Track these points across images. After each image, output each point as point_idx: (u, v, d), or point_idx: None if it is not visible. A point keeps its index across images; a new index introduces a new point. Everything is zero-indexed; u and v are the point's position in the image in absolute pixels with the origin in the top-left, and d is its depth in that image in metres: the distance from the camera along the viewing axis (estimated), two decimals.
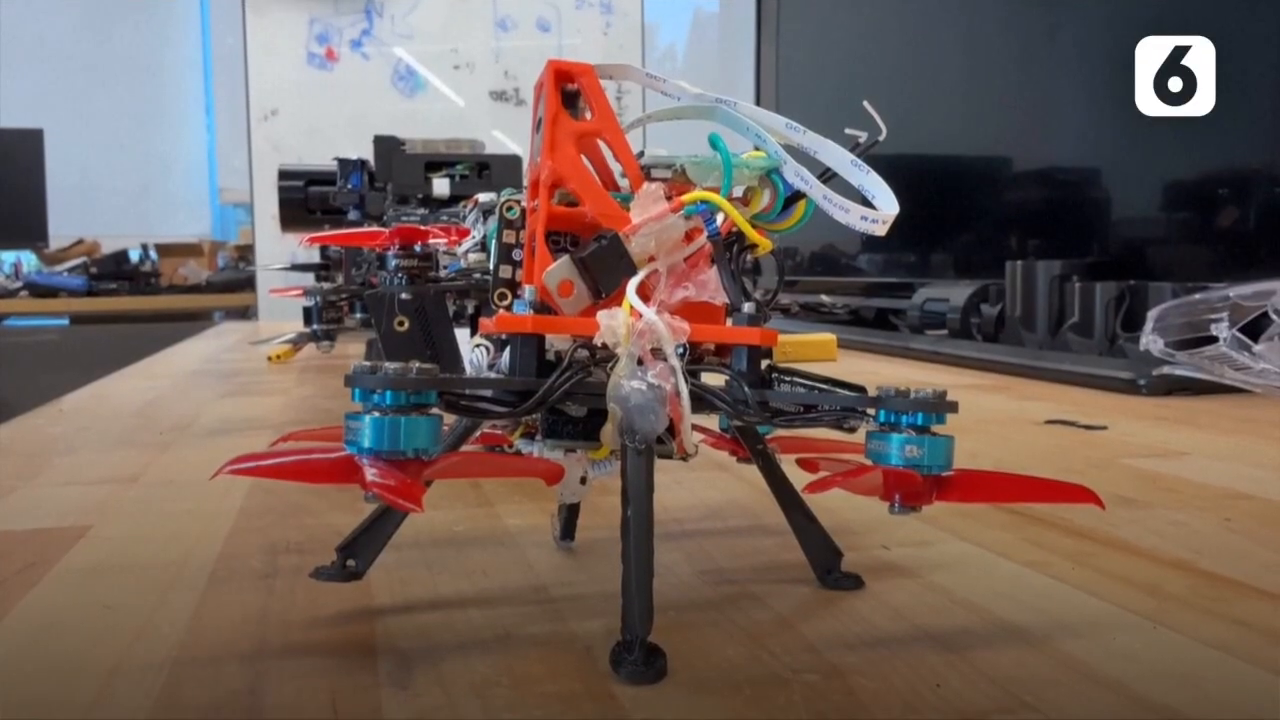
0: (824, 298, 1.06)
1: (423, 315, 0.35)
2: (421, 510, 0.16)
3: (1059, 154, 0.77)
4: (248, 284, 3.41)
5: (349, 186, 0.55)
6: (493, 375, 0.21)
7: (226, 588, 0.23)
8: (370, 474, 0.16)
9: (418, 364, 0.18)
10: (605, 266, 0.19)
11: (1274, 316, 0.47)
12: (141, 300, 2.24)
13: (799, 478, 0.21)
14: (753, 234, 0.20)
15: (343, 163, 0.56)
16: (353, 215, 0.54)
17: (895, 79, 1.00)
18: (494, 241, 0.23)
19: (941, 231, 0.89)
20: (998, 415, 0.50)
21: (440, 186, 0.75)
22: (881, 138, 0.21)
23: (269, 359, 0.79)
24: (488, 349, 0.22)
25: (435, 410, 0.18)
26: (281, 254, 3.10)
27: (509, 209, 0.22)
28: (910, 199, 0.20)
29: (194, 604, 0.22)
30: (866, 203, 0.21)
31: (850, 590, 0.22)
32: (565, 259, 0.19)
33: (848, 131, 0.21)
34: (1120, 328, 0.62)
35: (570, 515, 0.25)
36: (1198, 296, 0.53)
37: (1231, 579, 0.22)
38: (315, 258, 0.92)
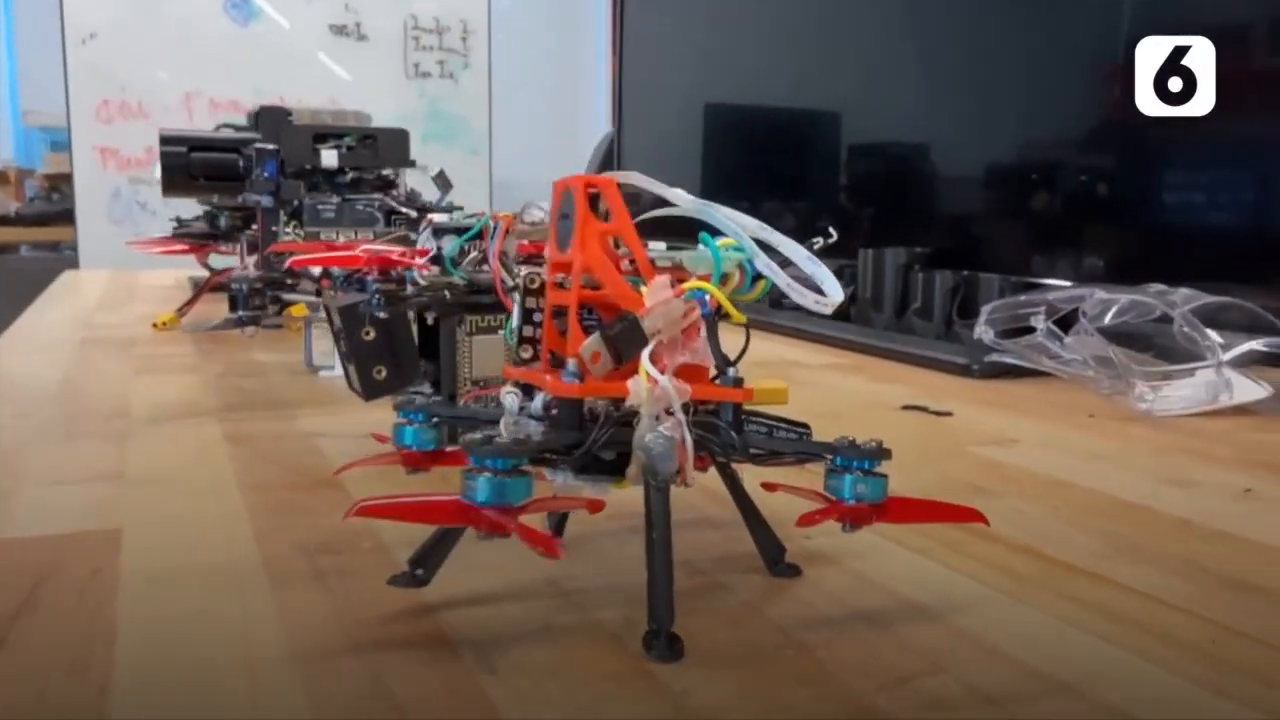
0: None
1: (390, 329, 0.40)
2: (562, 557, 0.22)
3: (912, 151, 0.86)
4: (61, 217, 3.20)
5: (265, 175, 0.57)
6: (530, 421, 0.26)
7: (292, 590, 0.27)
8: (497, 520, 0.21)
9: (519, 436, 0.23)
10: (626, 341, 0.25)
11: (1082, 317, 0.57)
12: None
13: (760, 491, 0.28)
14: (733, 312, 0.26)
15: (259, 151, 0.58)
16: (267, 202, 0.57)
17: (752, 49, 1.08)
18: (518, 306, 0.28)
19: (801, 216, 0.97)
20: (860, 400, 0.58)
21: (329, 158, 0.77)
22: (832, 240, 0.27)
23: (154, 326, 0.80)
24: (517, 394, 0.27)
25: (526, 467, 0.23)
26: (102, 186, 2.92)
27: (532, 281, 0.28)
28: (773, 183, 0.27)
29: (274, 606, 0.26)
30: (817, 289, 0.27)
31: (793, 578, 0.28)
32: (596, 335, 0.25)
33: (814, 240, 0.27)
34: (956, 314, 0.72)
35: (561, 517, 0.31)
36: (1023, 297, 0.63)
37: (1064, 561, 0.30)
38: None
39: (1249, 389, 0.52)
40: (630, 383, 0.24)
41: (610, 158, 1.83)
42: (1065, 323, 0.62)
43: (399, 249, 0.39)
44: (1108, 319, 0.59)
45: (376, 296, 0.38)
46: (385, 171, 0.83)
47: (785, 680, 0.23)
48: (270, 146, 0.57)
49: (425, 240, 0.42)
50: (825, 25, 0.96)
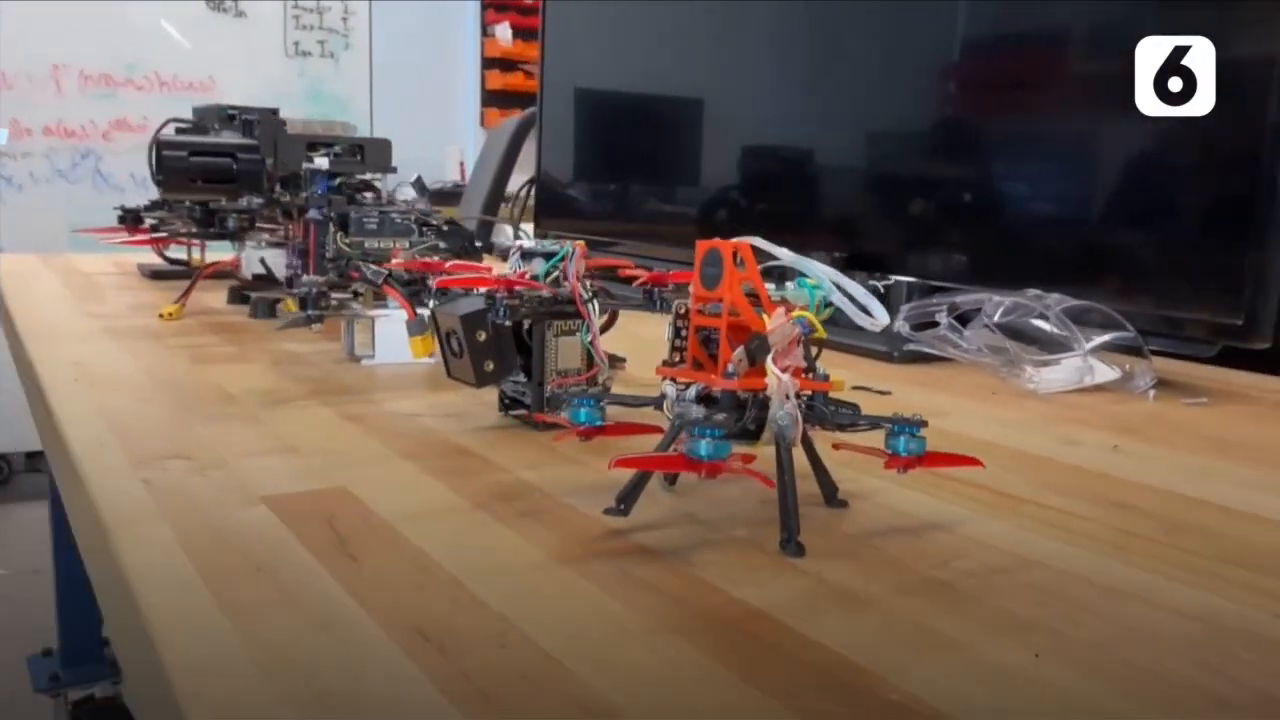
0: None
1: (498, 331, 0.51)
2: (774, 487, 0.35)
3: (850, 160, 1.01)
4: None
5: (318, 192, 0.67)
6: (691, 404, 0.38)
7: (517, 523, 0.39)
8: (717, 467, 0.34)
9: (721, 415, 0.36)
10: (758, 352, 0.38)
11: (986, 319, 0.73)
12: None
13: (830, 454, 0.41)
14: (820, 330, 0.40)
15: (312, 171, 0.67)
16: (319, 215, 0.66)
17: (662, 41, 1.21)
18: (671, 327, 0.40)
19: (747, 219, 1.12)
20: None
21: (321, 164, 0.87)
22: (884, 288, 0.41)
23: (161, 316, 0.87)
24: (680, 387, 0.39)
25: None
26: None
27: (681, 308, 0.40)
28: (722, 185, 0.40)
29: (514, 533, 0.38)
30: (868, 313, 0.41)
31: (844, 509, 0.42)
32: (741, 349, 0.38)
33: (870, 281, 0.41)
34: None
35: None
36: (933, 299, 0.78)
37: (1012, 494, 0.45)
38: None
39: (1105, 371, 0.69)
40: (768, 379, 0.37)
41: (519, 138, 1.93)
42: (963, 319, 0.78)
43: (519, 272, 0.51)
44: (997, 317, 0.76)
45: (505, 308, 0.49)
46: (368, 177, 0.93)
47: (875, 563, 0.36)
48: (322, 166, 0.67)
49: (515, 262, 0.54)
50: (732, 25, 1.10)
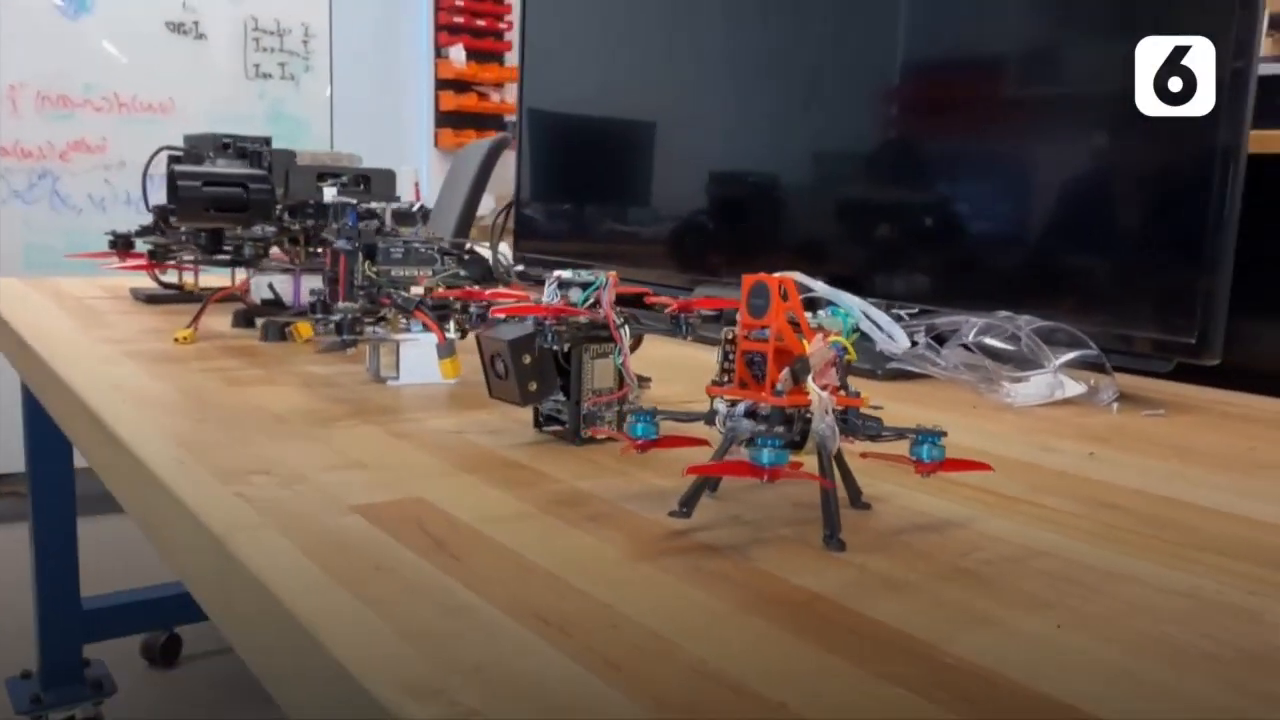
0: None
1: (541, 354, 0.56)
2: (831, 487, 0.40)
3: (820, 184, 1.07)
4: None
5: (349, 224, 0.71)
6: (743, 419, 0.44)
7: (588, 526, 0.44)
8: (779, 473, 0.39)
9: (781, 428, 0.41)
10: (801, 372, 0.44)
11: (966, 340, 0.79)
12: None
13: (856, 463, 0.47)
14: (852, 353, 0.45)
15: (341, 204, 0.72)
16: (347, 246, 0.71)
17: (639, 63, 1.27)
18: (720, 350, 0.46)
19: (722, 242, 1.17)
20: None
21: (329, 194, 0.92)
22: (905, 318, 0.47)
23: (175, 340, 0.91)
24: (730, 405, 0.45)
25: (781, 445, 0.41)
26: None
27: (729, 335, 0.46)
28: (699, 215, 0.46)
29: (589, 534, 0.43)
30: (890, 337, 0.46)
31: (868, 510, 0.48)
32: (786, 369, 0.43)
33: (893, 310, 0.46)
34: None
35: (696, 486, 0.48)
36: (915, 322, 0.85)
37: (1010, 495, 0.51)
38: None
39: (1074, 386, 0.76)
40: (811, 396, 0.43)
41: (491, 162, 1.98)
42: (939, 339, 0.85)
43: (562, 299, 0.56)
44: (971, 336, 0.82)
45: (553, 334, 0.54)
46: (370, 205, 0.98)
47: (906, 555, 0.42)
48: (350, 200, 0.71)
49: (552, 291, 0.59)
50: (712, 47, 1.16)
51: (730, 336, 0.46)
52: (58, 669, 1.45)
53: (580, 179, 1.49)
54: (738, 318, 0.45)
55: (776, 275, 0.44)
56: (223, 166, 0.98)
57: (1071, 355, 0.78)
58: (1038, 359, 0.78)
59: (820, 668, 0.31)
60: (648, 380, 0.61)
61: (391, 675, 0.30)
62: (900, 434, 0.45)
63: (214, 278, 1.22)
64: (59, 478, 1.42)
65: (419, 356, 0.73)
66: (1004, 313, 0.83)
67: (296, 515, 0.44)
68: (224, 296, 0.98)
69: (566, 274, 0.59)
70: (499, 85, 4.49)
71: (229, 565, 0.40)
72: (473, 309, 0.64)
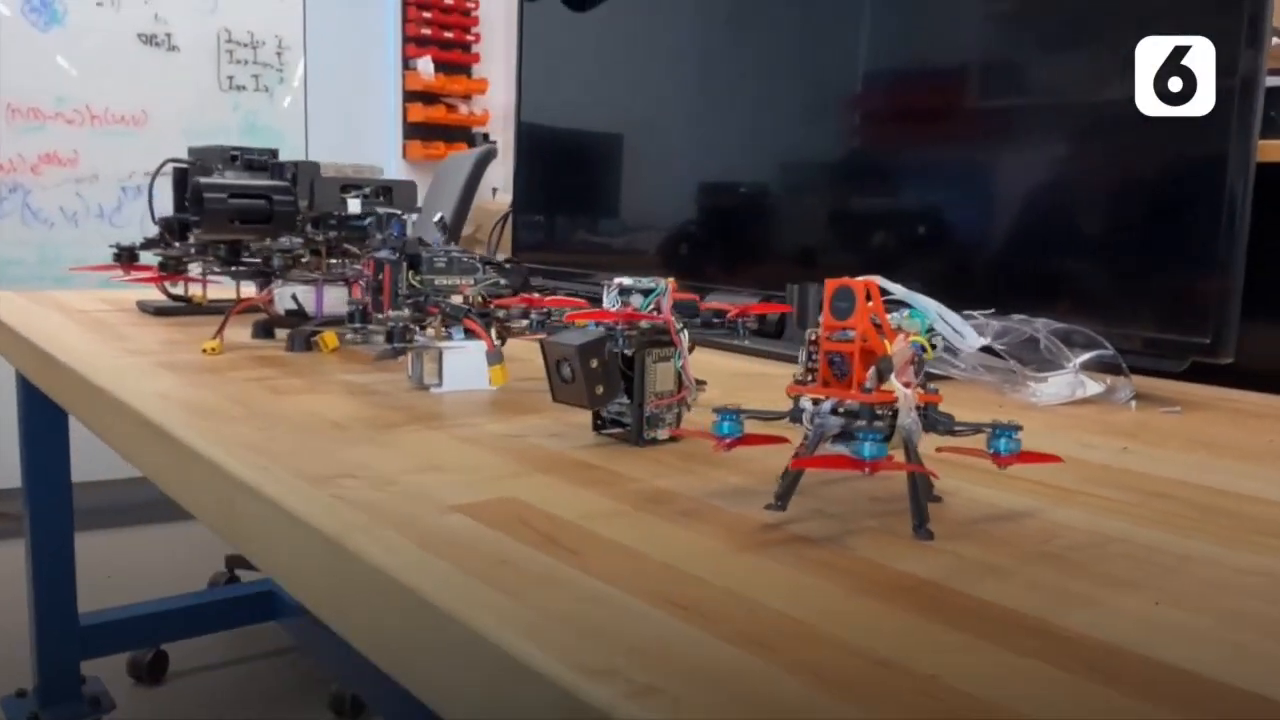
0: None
1: (611, 362, 0.58)
2: (937, 476, 0.42)
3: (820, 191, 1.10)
4: None
5: (394, 234, 0.73)
6: (834, 419, 0.46)
7: (684, 521, 0.46)
8: (880, 465, 0.41)
9: (818, 425, 0.43)
10: (885, 371, 0.46)
11: (989, 342, 0.82)
12: None
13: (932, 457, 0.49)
14: (930, 353, 0.48)
15: (386, 214, 0.73)
16: (384, 254, 0.72)
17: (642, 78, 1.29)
18: (803, 351, 0.48)
19: (734, 254, 1.20)
20: None
21: (353, 205, 0.93)
22: (973, 319, 0.49)
23: (204, 351, 0.91)
24: (814, 403, 0.47)
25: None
26: None
27: (813, 339, 0.48)
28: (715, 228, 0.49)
29: (687, 529, 0.45)
30: (963, 337, 0.49)
31: (940, 502, 0.50)
32: (873, 369, 0.45)
33: (965, 312, 0.49)
34: None
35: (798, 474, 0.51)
36: None
37: (1065, 488, 0.54)
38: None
39: (1093, 386, 0.79)
40: (897, 393, 0.45)
41: (479, 172, 1.99)
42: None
43: (628, 306, 0.58)
44: (990, 338, 0.85)
45: (624, 338, 0.56)
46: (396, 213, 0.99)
47: (991, 543, 0.44)
48: (395, 211, 0.73)
49: (613, 298, 0.61)
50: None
51: (813, 338, 0.48)
52: (55, 686, 1.44)
53: (573, 190, 1.51)
54: (820, 319, 0.48)
55: (860, 279, 0.46)
56: (246, 178, 0.98)
57: (1088, 356, 0.81)
58: (1057, 360, 0.81)
59: (954, 643, 0.34)
60: (704, 383, 0.63)
61: (562, 658, 0.32)
62: (976, 429, 0.47)
63: (221, 290, 1.23)
64: (55, 493, 1.41)
65: (462, 363, 0.74)
66: (1019, 316, 0.86)
67: (401, 514, 0.46)
68: (246, 308, 0.98)
69: (627, 281, 0.60)
70: (467, 97, 4.50)
71: (347, 565, 0.42)
72: (533, 316, 0.66)
